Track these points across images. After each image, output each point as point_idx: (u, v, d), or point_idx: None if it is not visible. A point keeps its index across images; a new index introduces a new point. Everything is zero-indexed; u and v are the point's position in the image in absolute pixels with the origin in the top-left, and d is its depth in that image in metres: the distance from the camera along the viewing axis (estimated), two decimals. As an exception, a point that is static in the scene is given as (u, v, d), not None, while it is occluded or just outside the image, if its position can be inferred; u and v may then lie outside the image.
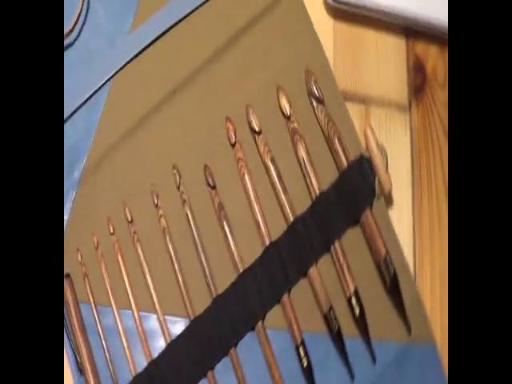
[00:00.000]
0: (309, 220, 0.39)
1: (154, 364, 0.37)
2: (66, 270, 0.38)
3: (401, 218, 0.43)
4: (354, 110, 0.44)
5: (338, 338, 0.38)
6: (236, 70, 0.43)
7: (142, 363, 0.37)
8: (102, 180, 0.40)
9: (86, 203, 0.40)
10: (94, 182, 0.40)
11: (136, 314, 0.38)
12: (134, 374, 0.37)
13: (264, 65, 0.43)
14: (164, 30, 0.42)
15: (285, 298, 0.39)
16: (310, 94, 0.42)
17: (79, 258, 0.39)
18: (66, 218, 0.39)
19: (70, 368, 0.37)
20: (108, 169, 0.40)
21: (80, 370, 0.37)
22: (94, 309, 0.38)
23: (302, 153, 0.41)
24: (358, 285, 0.39)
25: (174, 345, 0.38)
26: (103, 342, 0.38)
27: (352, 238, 0.40)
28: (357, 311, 0.38)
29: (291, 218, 0.40)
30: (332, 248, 0.39)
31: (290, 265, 0.39)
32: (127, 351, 0.37)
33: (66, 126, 0.39)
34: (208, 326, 0.38)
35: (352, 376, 0.38)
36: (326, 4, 0.45)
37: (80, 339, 0.37)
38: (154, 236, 0.39)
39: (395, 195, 0.43)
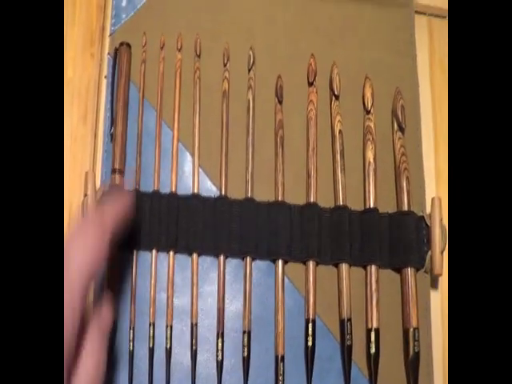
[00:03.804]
0: (356, 220, 0.38)
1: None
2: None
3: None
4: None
5: (347, 353, 0.36)
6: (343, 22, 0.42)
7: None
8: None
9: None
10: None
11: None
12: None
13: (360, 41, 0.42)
14: None
15: (310, 263, 0.37)
16: (395, 115, 0.40)
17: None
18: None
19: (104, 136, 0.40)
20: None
21: (111, 136, 0.39)
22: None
23: (370, 155, 0.39)
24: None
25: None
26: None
27: (389, 283, 0.37)
28: (372, 349, 0.35)
29: (340, 200, 0.38)
30: (368, 268, 0.37)
31: (326, 243, 0.38)
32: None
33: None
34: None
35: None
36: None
37: (120, 113, 0.39)
38: (214, 88, 0.40)
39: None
